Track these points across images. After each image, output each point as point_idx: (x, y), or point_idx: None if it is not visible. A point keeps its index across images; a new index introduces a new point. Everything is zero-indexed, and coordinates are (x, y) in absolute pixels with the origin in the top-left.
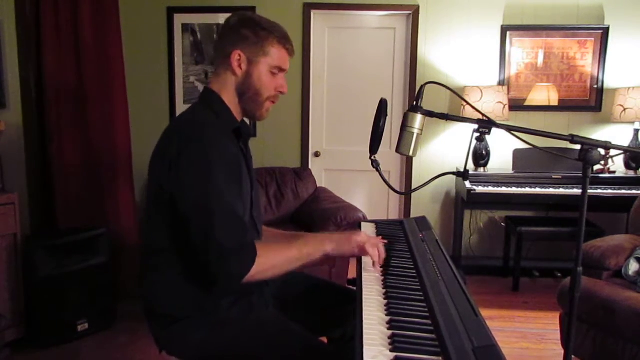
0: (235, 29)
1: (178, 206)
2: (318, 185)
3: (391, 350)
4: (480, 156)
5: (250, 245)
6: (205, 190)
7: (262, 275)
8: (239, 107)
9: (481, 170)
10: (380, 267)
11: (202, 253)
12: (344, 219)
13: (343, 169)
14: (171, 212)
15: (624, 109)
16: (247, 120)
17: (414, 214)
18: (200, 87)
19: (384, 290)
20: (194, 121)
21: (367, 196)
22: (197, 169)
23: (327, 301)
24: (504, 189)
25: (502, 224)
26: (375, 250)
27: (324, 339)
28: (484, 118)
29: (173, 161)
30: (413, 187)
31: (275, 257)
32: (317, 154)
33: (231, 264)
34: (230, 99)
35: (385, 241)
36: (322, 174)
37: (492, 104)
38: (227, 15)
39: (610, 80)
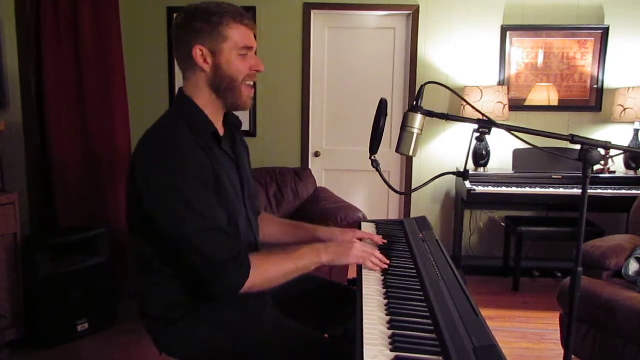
0: (186, 25)
1: (158, 228)
2: (318, 185)
3: (391, 350)
4: (480, 156)
5: (242, 257)
6: (183, 212)
7: (258, 288)
8: (218, 103)
9: (481, 170)
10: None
11: (193, 270)
12: (344, 219)
13: (343, 169)
14: (151, 228)
15: (624, 109)
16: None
17: (414, 214)
18: None
19: (384, 290)
20: (163, 137)
21: (367, 196)
22: (169, 193)
23: (327, 300)
24: (504, 189)
25: (502, 224)
26: (374, 265)
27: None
28: (484, 118)
29: (144, 184)
30: (413, 187)
31: (271, 271)
32: (317, 154)
33: (225, 277)
34: (206, 98)
35: (385, 241)
36: (322, 174)
37: (492, 104)
38: None
39: (610, 80)
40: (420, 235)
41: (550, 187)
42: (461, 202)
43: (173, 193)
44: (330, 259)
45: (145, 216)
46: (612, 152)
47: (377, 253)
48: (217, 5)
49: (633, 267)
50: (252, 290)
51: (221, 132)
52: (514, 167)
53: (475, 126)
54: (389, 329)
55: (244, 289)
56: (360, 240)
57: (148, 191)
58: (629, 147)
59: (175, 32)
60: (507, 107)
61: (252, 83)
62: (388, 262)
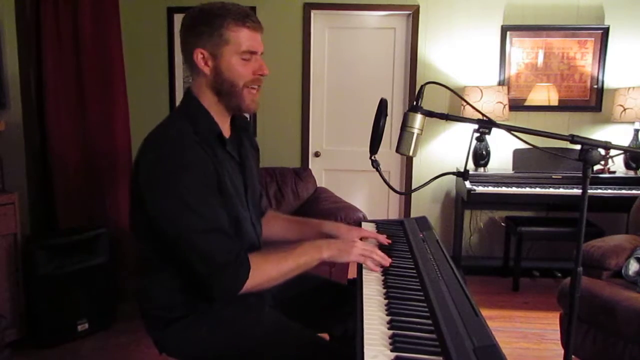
0: (190, 28)
1: (159, 228)
2: (318, 185)
3: (392, 350)
4: (480, 156)
5: (242, 258)
6: (182, 213)
7: (259, 287)
8: (220, 106)
9: (481, 170)
10: (381, 267)
11: (193, 270)
12: (344, 219)
13: (343, 169)
14: (153, 228)
15: (624, 109)
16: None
17: (414, 214)
18: None
19: (385, 290)
20: (165, 137)
21: (367, 196)
22: (170, 194)
23: (327, 300)
24: (504, 189)
25: (502, 224)
26: (375, 264)
27: (325, 336)
28: (484, 118)
29: (147, 184)
30: (413, 187)
31: (271, 270)
32: (317, 154)
33: (224, 279)
34: (209, 100)
35: (390, 241)
36: (322, 174)
37: (492, 104)
38: None
39: (610, 80)
40: (421, 235)
41: (550, 187)
42: (461, 202)
43: (173, 194)
44: (332, 255)
45: (147, 216)
46: (612, 152)
47: (379, 251)
48: (220, 7)
49: (633, 267)
50: (253, 289)
51: (227, 134)
52: (514, 167)
53: (475, 126)
54: (389, 329)
55: (244, 289)
56: (364, 239)
57: (150, 192)
58: (629, 147)
59: (181, 32)
60: (507, 107)
61: (255, 87)
62: (390, 260)
